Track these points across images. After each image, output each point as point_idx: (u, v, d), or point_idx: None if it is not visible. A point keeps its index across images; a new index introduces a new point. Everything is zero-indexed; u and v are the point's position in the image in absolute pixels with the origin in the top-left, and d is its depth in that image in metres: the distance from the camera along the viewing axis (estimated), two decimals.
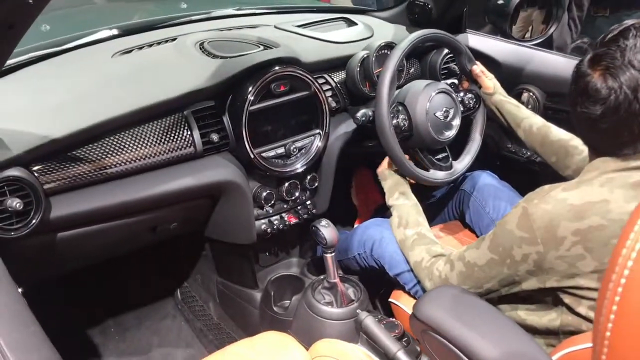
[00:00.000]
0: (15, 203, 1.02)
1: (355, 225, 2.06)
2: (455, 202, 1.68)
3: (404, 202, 1.36)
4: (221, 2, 2.29)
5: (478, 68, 1.53)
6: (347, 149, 1.58)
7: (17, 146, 1.07)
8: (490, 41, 1.77)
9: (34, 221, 1.07)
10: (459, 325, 0.92)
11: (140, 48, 1.47)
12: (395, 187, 1.39)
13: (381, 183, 1.43)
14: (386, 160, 1.49)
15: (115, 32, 1.57)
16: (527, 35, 2.08)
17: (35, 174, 1.12)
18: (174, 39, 1.51)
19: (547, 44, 1.90)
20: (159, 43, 1.51)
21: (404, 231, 1.31)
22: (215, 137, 1.35)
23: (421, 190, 1.61)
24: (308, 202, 1.59)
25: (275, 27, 1.68)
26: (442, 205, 1.73)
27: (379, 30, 1.74)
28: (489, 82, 1.53)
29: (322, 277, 1.45)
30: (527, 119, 1.43)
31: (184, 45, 1.45)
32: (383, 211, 1.53)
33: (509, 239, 0.99)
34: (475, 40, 1.79)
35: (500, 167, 1.85)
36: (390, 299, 1.36)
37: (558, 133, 1.38)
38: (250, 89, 1.36)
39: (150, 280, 1.89)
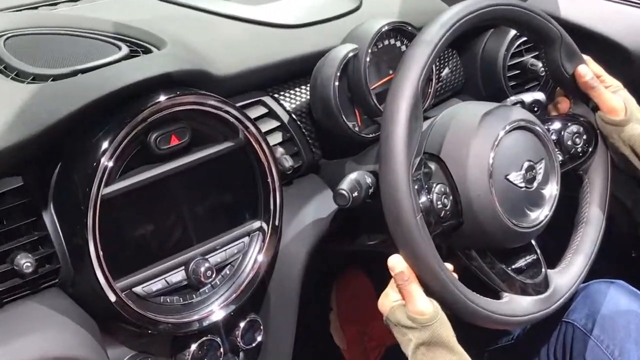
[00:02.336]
0: None
1: None
2: (555, 349, 1.60)
3: None
4: None
5: (589, 70, 1.47)
6: (321, 250, 1.55)
7: None
8: (604, 6, 1.70)
9: None
10: None
11: None
12: (431, 350, 1.29)
13: (391, 329, 1.34)
14: (393, 284, 1.35)
15: None
16: None
17: None
18: None
19: None
20: None
21: None
22: (27, 261, 1.23)
23: (477, 328, 1.46)
24: None
25: None
26: (526, 355, 1.65)
27: None
28: (614, 98, 1.48)
29: None
30: None
31: None
32: None
33: None
34: (575, 5, 1.72)
35: (637, 265, 1.75)
36: None
37: None
38: (103, 147, 1.23)
39: None
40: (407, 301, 1.31)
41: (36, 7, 1.56)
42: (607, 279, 1.59)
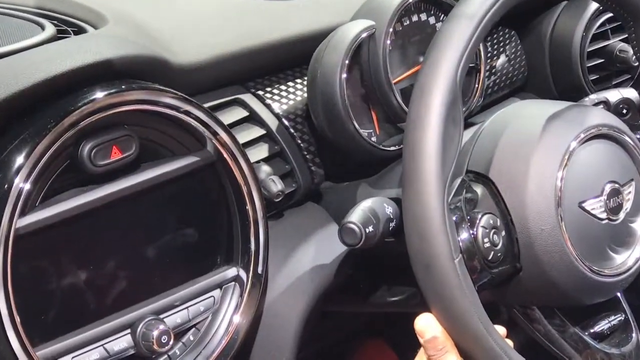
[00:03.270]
0: None
1: None
2: None
3: None
4: None
5: None
6: (325, 312, 1.60)
7: None
8: None
9: None
10: None
11: None
12: None
13: None
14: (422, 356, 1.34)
15: None
16: None
17: None
18: None
19: None
20: None
21: None
22: None
23: None
24: None
25: None
26: None
27: None
28: None
29: None
30: None
31: None
32: None
33: None
34: None
35: None
36: None
37: None
38: (17, 163, 1.23)
39: None
40: None
41: None
42: None
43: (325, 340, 1.88)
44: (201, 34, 1.53)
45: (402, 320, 1.39)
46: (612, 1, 1.49)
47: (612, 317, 1.48)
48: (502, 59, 1.76)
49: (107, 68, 1.34)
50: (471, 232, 1.34)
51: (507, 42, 1.79)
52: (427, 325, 1.29)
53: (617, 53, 1.77)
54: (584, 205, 1.37)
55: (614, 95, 1.57)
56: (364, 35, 1.51)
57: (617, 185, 1.40)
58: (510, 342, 1.33)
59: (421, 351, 1.32)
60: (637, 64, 1.75)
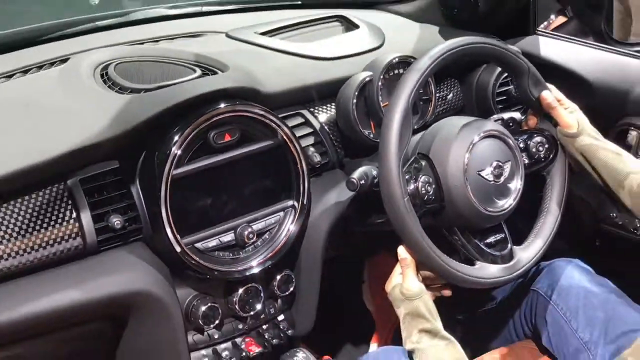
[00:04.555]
0: None
1: (371, 348, 2.00)
2: (524, 311, 1.62)
3: (429, 344, 1.29)
4: None
5: (551, 95, 1.49)
6: (342, 228, 1.58)
7: None
8: (573, 48, 1.72)
9: None
10: None
11: (11, 75, 1.45)
12: (413, 319, 1.33)
13: (392, 303, 1.39)
14: (398, 268, 1.41)
15: None
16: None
17: None
18: (64, 60, 1.51)
19: None
20: (40, 67, 1.49)
21: None
22: (117, 220, 1.31)
23: (467, 294, 1.52)
24: (281, 318, 1.57)
25: (228, 35, 1.70)
26: (503, 316, 1.67)
27: (394, 36, 1.74)
28: (570, 116, 1.49)
29: None
30: (635, 175, 1.40)
31: (77, 70, 1.44)
32: None
33: None
34: (551, 47, 1.74)
35: (599, 252, 1.77)
36: None
37: None
38: (175, 139, 1.33)
39: None
40: (402, 281, 1.38)
41: (142, 43, 1.67)
42: (567, 258, 1.61)
43: (345, 249, 1.84)
44: (279, 77, 1.58)
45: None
46: (501, 63, 1.56)
47: (497, 235, 1.51)
48: (450, 94, 1.79)
49: (226, 92, 1.42)
50: (415, 184, 1.43)
51: (453, 85, 1.83)
52: (402, 251, 1.41)
53: (514, 93, 1.80)
54: (480, 173, 1.43)
55: (506, 115, 1.61)
56: (367, 79, 1.58)
57: (500, 163, 1.45)
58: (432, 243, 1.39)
59: (397, 266, 1.44)
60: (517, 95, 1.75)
